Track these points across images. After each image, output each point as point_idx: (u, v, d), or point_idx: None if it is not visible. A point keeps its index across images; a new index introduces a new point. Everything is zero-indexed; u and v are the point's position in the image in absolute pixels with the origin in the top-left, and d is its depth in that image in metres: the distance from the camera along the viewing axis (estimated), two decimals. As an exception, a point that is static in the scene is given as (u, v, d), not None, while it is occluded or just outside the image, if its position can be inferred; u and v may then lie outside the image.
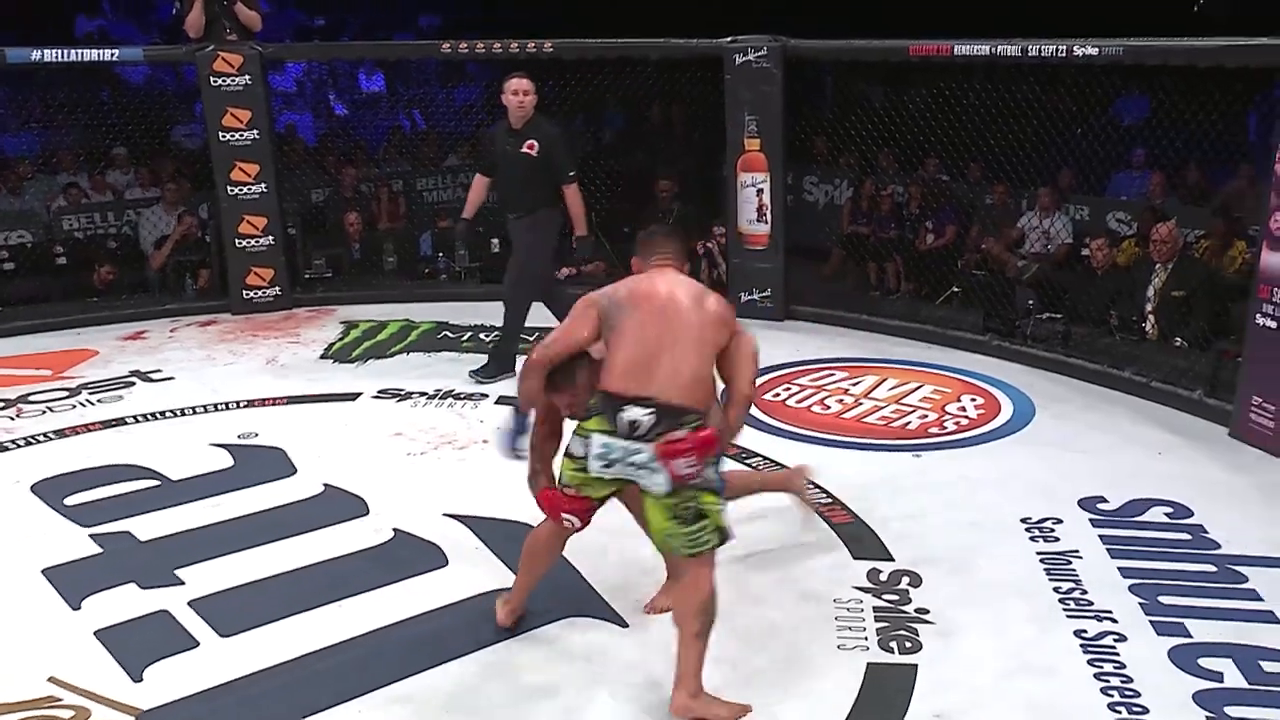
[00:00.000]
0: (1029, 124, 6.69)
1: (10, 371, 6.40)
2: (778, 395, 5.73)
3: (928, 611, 3.56)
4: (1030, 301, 6.60)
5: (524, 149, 5.62)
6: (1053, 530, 4.11)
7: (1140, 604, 3.58)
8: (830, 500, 4.38)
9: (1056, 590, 3.69)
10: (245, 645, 3.46)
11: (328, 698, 3.21)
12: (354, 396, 5.90)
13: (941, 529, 4.15)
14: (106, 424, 5.50)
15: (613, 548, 3.80)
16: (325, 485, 4.65)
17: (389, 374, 6.32)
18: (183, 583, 3.83)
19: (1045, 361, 6.09)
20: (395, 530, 4.20)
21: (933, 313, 7.11)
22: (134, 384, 6.23)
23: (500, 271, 8.54)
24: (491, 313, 7.75)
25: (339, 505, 4.46)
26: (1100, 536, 4.03)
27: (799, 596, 3.66)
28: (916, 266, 7.76)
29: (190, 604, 3.69)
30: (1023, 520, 4.20)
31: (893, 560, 3.89)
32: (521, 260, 5.80)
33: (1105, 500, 4.32)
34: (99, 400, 5.88)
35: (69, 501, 4.53)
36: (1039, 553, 3.95)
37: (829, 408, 5.52)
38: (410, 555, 4.01)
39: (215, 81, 7.44)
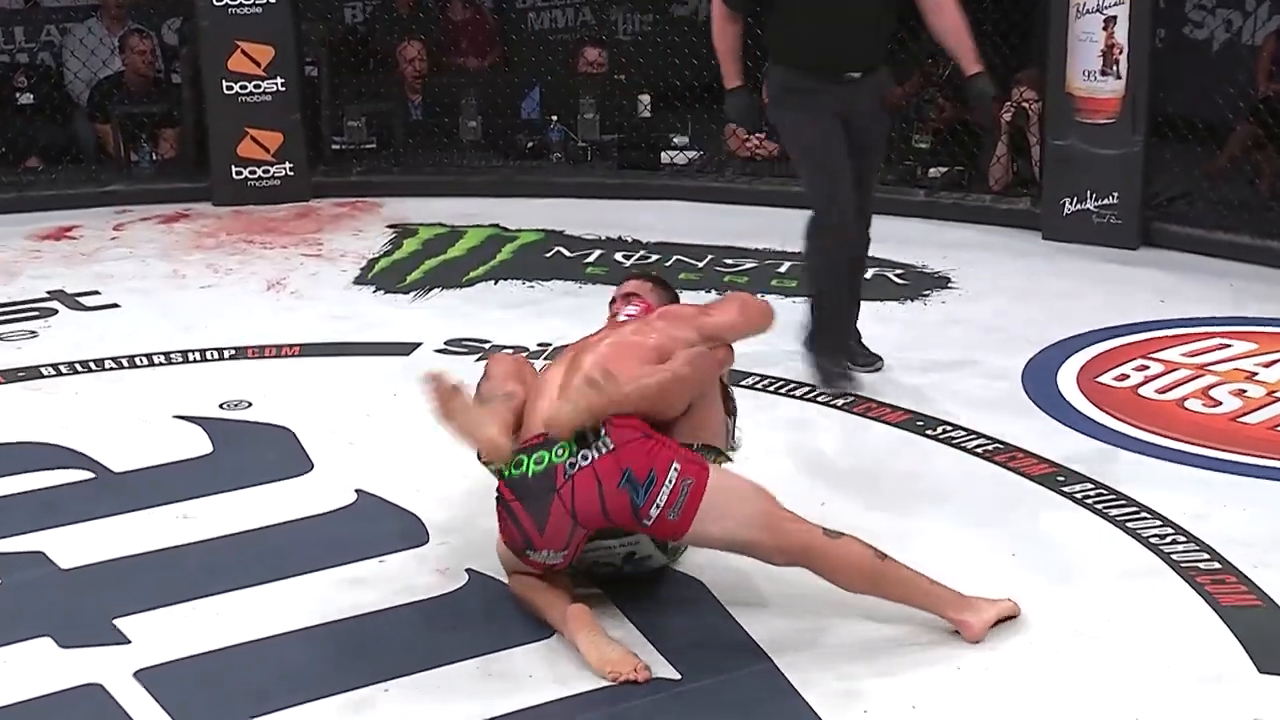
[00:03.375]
0: None
1: None
2: (1125, 378, 5.61)
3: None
4: None
5: None
6: None
7: None
8: (1217, 565, 4.26)
9: None
10: (224, 750, 3.54)
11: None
12: (408, 349, 6.00)
13: None
14: (10, 376, 5.72)
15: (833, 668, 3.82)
16: (358, 492, 4.74)
17: (466, 314, 6.40)
18: (127, 641, 3.92)
19: None
20: (470, 572, 4.24)
21: None
22: (55, 312, 6.45)
23: (643, 149, 8.57)
24: (643, 221, 7.79)
25: (380, 525, 4.54)
26: None
27: (1158, 728, 3.56)
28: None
29: (138, 676, 3.77)
30: None
31: (1334, 680, 3.73)
32: (877, 154, 5.76)
33: None
34: (-1, 337, 6.13)
35: (-50, 498, 4.72)
36: None
37: (1217, 404, 5.40)
38: (494, 612, 4.04)
39: None
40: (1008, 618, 3.90)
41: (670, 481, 3.72)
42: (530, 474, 3.79)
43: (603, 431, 3.77)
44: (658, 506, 3.73)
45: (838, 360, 5.60)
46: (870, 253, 6.79)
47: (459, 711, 3.61)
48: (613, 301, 4.57)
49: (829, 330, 5.60)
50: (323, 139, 8.44)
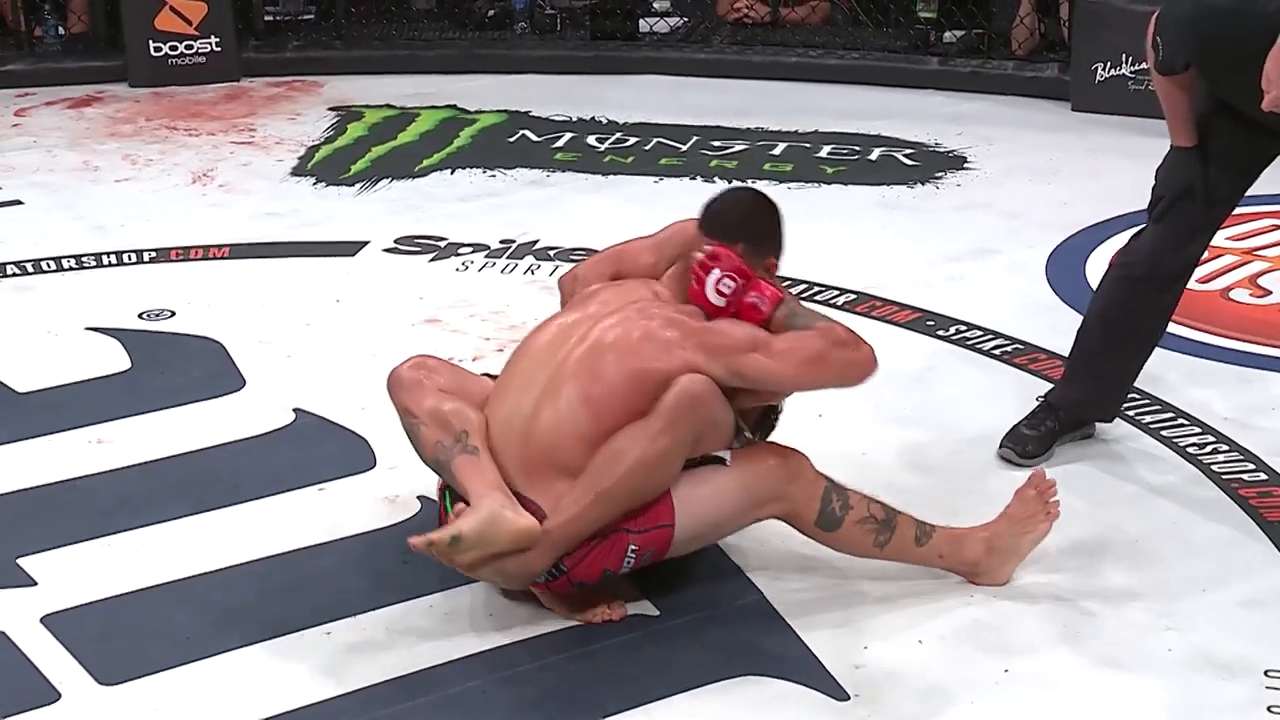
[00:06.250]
0: None
1: None
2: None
3: None
4: None
5: None
6: None
7: None
8: (1263, 476, 4.26)
9: None
10: (143, 703, 3.52)
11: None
12: (353, 249, 6.01)
13: None
14: (-100, 285, 5.70)
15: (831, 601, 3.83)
16: (297, 411, 4.76)
17: (418, 207, 6.41)
18: (33, 582, 3.94)
19: None
20: (422, 500, 4.25)
21: None
22: (-51, 212, 6.45)
23: (619, 17, 8.49)
24: (620, 99, 7.79)
25: (321, 448, 4.56)
26: None
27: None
28: None
29: (45, 622, 3.78)
30: None
31: None
32: None
33: None
34: (-114, 242, 6.10)
35: None
36: None
37: (1266, 293, 5.45)
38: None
39: None
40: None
41: (628, 565, 3.61)
42: None
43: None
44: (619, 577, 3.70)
45: None
46: (875, 130, 6.76)
47: (411, 656, 3.62)
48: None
49: None
50: (254, 9, 8.38)
